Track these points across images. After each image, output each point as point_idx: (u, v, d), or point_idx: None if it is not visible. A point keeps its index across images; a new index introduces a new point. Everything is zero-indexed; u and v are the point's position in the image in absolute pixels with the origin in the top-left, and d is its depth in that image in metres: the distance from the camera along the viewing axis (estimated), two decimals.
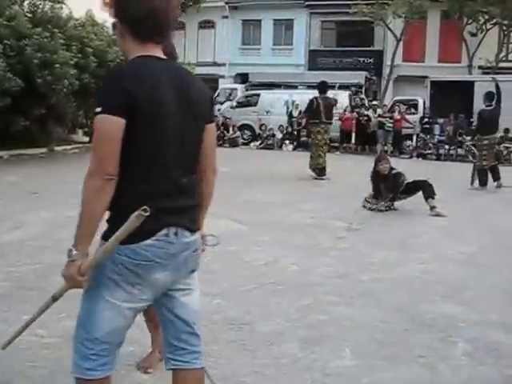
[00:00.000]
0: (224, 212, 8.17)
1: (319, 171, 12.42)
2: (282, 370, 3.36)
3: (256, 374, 3.28)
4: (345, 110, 20.47)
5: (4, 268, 5.20)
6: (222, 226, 7.38)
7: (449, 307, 4.50)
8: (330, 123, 12.77)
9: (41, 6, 14.30)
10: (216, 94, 26.38)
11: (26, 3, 14.20)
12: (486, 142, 11.42)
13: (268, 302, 4.55)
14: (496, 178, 11.45)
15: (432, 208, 8.27)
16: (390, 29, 28.15)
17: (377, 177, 8.74)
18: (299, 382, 3.23)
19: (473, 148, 11.65)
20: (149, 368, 3.24)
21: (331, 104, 12.88)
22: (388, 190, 8.57)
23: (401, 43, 28.36)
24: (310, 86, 24.22)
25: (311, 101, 12.44)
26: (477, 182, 11.43)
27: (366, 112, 20.33)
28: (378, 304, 4.52)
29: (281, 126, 21.69)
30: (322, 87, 12.73)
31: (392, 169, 8.66)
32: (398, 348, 3.70)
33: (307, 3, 32.07)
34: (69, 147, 16.26)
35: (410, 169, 10.67)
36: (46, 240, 6.28)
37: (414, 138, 20.23)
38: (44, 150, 15.26)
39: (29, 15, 13.92)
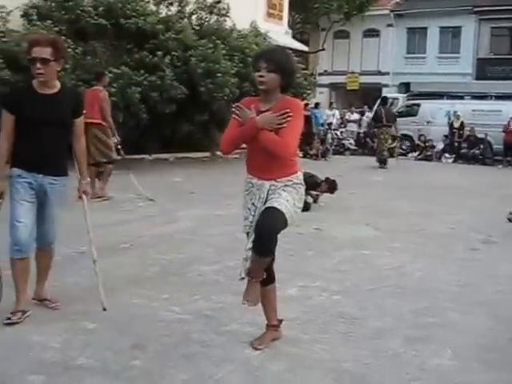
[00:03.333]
0: (366, 219, 8.46)
1: (382, 162, 16.75)
2: (380, 360, 3.62)
3: (355, 362, 3.58)
4: (509, 122, 19.45)
5: (154, 255, 5.94)
6: (360, 231, 7.70)
7: None
8: (390, 126, 16.88)
9: (207, 19, 15.42)
10: (377, 104, 26.33)
11: (193, 17, 15.37)
12: None
13: (384, 302, 4.79)
14: None
15: None
16: None
17: None
18: (394, 373, 3.48)
19: None
20: (259, 346, 3.67)
21: (391, 112, 17.60)
22: None
23: None
24: (476, 97, 23.41)
25: (375, 111, 18.41)
26: None
27: None
28: (492, 313, 4.57)
29: (444, 136, 21.19)
30: (384, 100, 18.11)
31: None
32: (500, 354, 3.79)
33: (476, 9, 30.87)
34: None
35: None
36: (194, 234, 6.99)
37: None
38: (206, 154, 16.35)
39: (196, 28, 15.07)
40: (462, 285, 5.37)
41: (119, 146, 9.12)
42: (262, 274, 3.54)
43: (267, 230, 3.39)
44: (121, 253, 5.96)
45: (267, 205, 3.46)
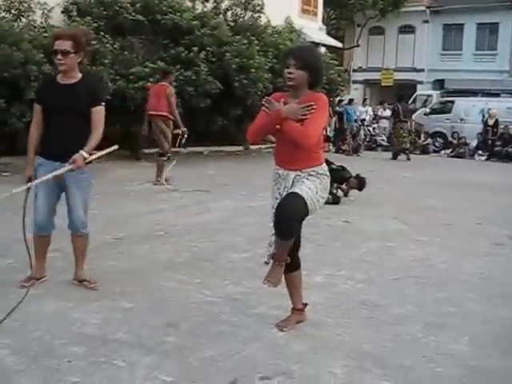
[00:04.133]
0: (394, 213, 8.60)
1: (402, 154, 17.88)
2: (399, 344, 3.80)
3: (374, 344, 3.77)
4: None
5: (187, 243, 6.20)
6: (387, 224, 7.85)
7: None
8: (406, 121, 18.17)
9: (242, 16, 15.68)
10: (411, 101, 26.26)
11: (228, 13, 15.65)
12: None
13: (407, 291, 4.96)
14: None
15: None
16: None
17: None
18: (411, 355, 3.65)
19: None
20: (284, 327, 3.90)
21: (408, 108, 19.16)
22: None
23: None
24: None
25: (393, 107, 19.14)
26: None
27: None
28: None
29: (479, 133, 21.05)
30: (400, 97, 19.28)
31: None
32: None
33: None
34: (263, 146, 17.30)
35: None
36: (226, 224, 7.25)
37: None
38: (240, 148, 16.60)
39: (231, 24, 15.34)
40: (485, 277, 5.50)
41: (186, 136, 9.75)
42: (285, 257, 3.72)
43: (285, 212, 3.57)
44: (155, 239, 6.25)
45: (289, 191, 3.67)
